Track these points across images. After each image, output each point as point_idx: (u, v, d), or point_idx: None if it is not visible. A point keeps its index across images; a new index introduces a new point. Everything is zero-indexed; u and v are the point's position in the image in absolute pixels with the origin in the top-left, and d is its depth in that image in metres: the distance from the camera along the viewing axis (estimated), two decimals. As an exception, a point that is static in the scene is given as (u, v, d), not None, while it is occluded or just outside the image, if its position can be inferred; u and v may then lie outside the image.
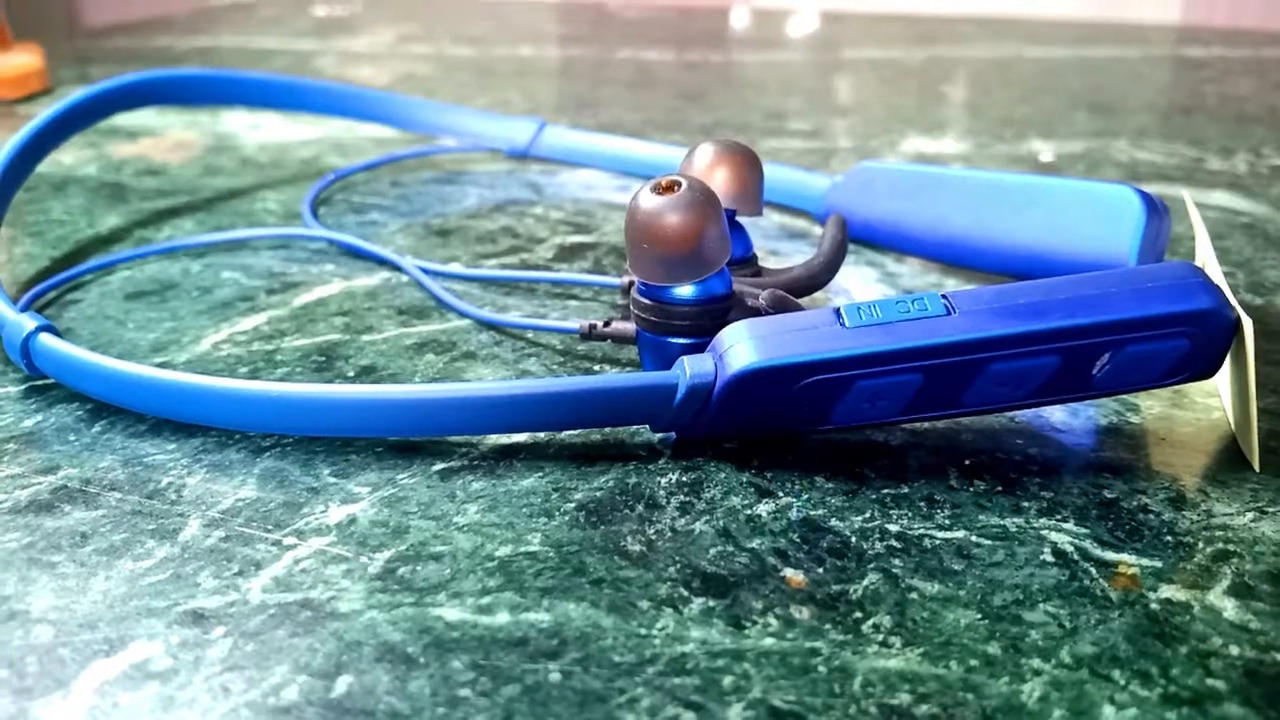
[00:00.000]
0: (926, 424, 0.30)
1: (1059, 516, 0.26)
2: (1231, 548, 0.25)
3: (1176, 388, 0.32)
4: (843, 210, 0.44)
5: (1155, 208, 0.35)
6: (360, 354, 0.34)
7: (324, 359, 0.33)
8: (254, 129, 0.61)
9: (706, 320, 0.30)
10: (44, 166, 0.53)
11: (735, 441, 0.29)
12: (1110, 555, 0.24)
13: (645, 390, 0.28)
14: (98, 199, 0.49)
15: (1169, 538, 0.25)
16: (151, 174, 0.53)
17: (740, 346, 0.27)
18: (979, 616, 0.22)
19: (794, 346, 0.27)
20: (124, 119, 0.62)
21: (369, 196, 0.50)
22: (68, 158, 0.55)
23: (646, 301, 0.31)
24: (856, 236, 0.44)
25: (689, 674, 0.21)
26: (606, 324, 0.33)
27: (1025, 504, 0.26)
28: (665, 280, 0.30)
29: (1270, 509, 0.26)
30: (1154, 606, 0.23)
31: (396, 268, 0.40)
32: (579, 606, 0.22)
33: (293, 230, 0.44)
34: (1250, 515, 0.26)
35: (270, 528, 0.25)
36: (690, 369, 0.27)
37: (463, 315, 0.36)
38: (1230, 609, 0.23)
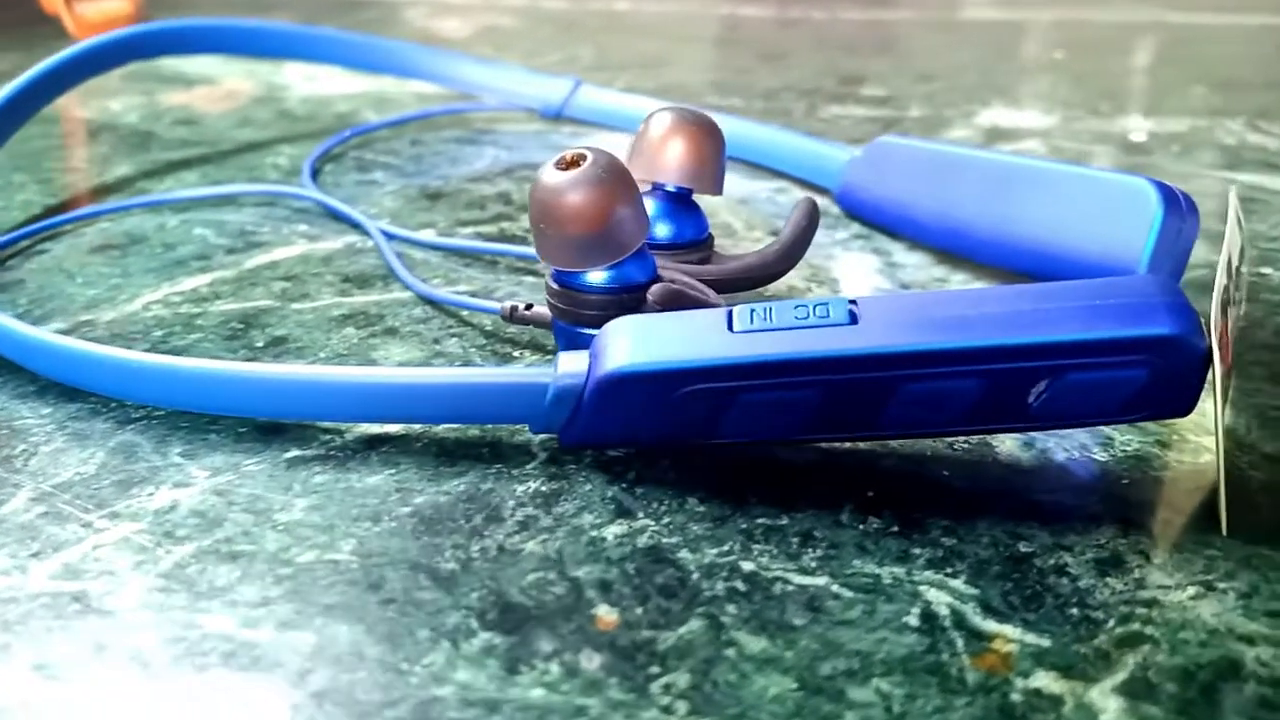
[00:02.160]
0: (848, 444, 0.26)
1: (949, 570, 0.22)
2: (1148, 631, 0.20)
3: (1169, 421, 0.27)
4: (858, 189, 0.40)
5: (1177, 205, 0.30)
6: (281, 323, 0.32)
7: (242, 327, 0.32)
8: (308, 80, 0.61)
9: (618, 310, 0.27)
10: (90, 111, 0.54)
11: (621, 449, 0.26)
12: (990, 625, 0.20)
13: (514, 390, 0.25)
14: (122, 147, 0.49)
15: (1074, 610, 0.21)
16: (186, 124, 0.53)
17: (615, 347, 0.24)
18: (794, 687, 0.19)
19: (670, 350, 0.24)
20: (187, 66, 0.62)
21: (382, 155, 0.48)
22: (116, 103, 0.55)
23: (556, 287, 0.28)
24: (869, 219, 0.40)
25: (427, 724, 0.18)
26: (528, 307, 0.30)
27: (916, 550, 0.22)
28: (572, 265, 0.28)
29: (1221, 584, 0.21)
30: (1015, 698, 0.19)
31: (365, 232, 0.39)
32: (352, 629, 0.20)
33: (275, 188, 0.43)
34: (1192, 590, 0.21)
35: (92, 507, 0.24)
36: (561, 368, 0.25)
37: (406, 286, 0.34)
38: (1113, 711, 0.18)
